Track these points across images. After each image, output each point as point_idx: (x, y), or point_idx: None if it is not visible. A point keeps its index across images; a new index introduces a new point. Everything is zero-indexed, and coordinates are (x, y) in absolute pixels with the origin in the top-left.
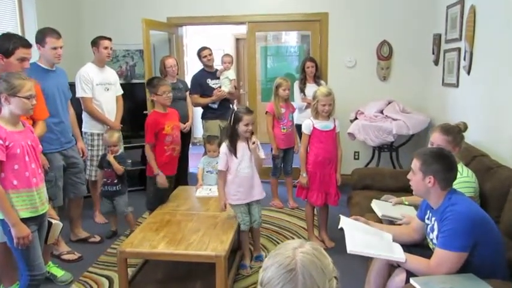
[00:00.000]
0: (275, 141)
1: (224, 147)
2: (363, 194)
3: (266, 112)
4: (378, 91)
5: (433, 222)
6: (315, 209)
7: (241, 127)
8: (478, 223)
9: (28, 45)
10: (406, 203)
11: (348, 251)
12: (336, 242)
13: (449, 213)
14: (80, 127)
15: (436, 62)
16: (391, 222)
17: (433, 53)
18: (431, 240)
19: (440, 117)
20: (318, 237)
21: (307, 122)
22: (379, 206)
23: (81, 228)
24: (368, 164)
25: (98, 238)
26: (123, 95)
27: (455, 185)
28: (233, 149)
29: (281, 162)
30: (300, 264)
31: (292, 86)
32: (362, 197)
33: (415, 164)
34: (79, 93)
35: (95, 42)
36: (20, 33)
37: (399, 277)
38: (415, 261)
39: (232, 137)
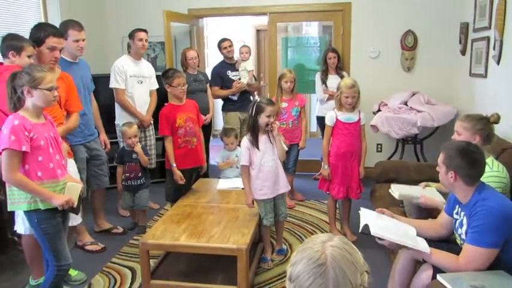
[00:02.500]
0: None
1: (245, 140)
2: (387, 187)
3: None
4: (402, 82)
5: (462, 217)
6: (338, 202)
7: (263, 118)
8: (510, 219)
9: (59, 35)
10: (432, 185)
11: (371, 233)
12: (358, 236)
13: (479, 208)
14: (114, 118)
15: (463, 52)
16: (410, 204)
17: (460, 43)
18: (460, 235)
19: (468, 109)
20: (340, 230)
21: (331, 114)
22: (397, 188)
23: (105, 220)
24: (391, 156)
25: (120, 229)
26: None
27: (484, 179)
28: (255, 142)
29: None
30: (330, 258)
31: (298, 77)
32: (386, 190)
33: (440, 157)
34: (112, 84)
35: (131, 35)
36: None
37: (426, 273)
38: (443, 257)
39: (254, 129)
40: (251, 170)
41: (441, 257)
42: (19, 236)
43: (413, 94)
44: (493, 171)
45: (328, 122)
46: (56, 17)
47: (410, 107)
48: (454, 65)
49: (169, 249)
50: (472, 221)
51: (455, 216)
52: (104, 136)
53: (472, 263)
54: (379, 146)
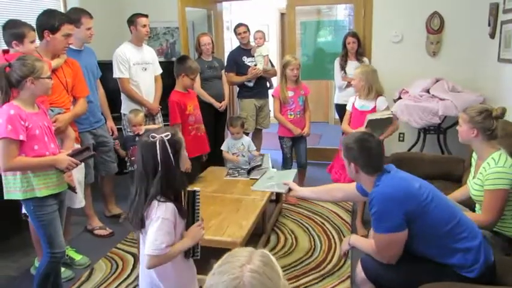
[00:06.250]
0: (287, 126)
1: (168, 209)
2: None
3: (272, 96)
4: (426, 68)
5: None
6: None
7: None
8: (399, 201)
9: (72, 22)
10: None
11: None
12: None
13: (372, 195)
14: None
15: (492, 35)
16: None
17: (489, 25)
18: None
19: (495, 97)
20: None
21: (351, 98)
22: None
23: (115, 205)
24: (412, 147)
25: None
26: (163, 73)
27: (487, 175)
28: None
29: (290, 152)
30: (248, 286)
31: (319, 63)
32: None
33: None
34: (116, 74)
35: (131, 21)
36: (62, 10)
37: (358, 268)
38: (363, 243)
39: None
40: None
41: (363, 243)
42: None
43: (437, 81)
44: (497, 167)
45: (348, 106)
46: (74, 2)
47: (433, 95)
48: (483, 50)
49: None
50: (370, 209)
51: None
52: (111, 123)
53: (381, 248)
54: (401, 136)
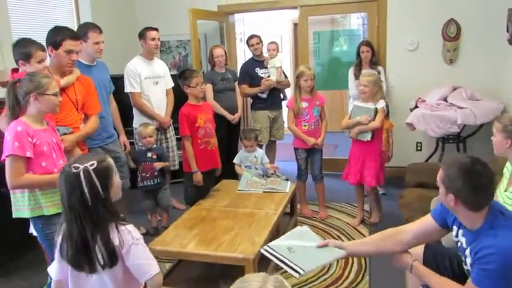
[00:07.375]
0: (301, 137)
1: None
2: (416, 192)
3: (287, 106)
4: (443, 76)
5: (464, 244)
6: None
7: None
8: None
9: (76, 37)
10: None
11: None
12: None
13: (490, 250)
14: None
15: (511, 41)
16: None
17: (508, 31)
18: (464, 261)
19: None
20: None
21: (355, 102)
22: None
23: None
24: (430, 156)
25: (143, 230)
26: (176, 86)
27: None
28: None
29: (305, 163)
30: None
31: (333, 72)
32: (415, 196)
33: (439, 173)
34: (127, 89)
35: (141, 35)
36: (75, 26)
37: None
38: (446, 284)
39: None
40: None
41: (443, 283)
42: None
43: (455, 89)
44: None
45: (349, 109)
46: (87, 15)
47: (451, 103)
48: (501, 56)
49: (176, 256)
50: (481, 260)
51: (454, 238)
52: (123, 137)
53: None
54: (419, 145)
